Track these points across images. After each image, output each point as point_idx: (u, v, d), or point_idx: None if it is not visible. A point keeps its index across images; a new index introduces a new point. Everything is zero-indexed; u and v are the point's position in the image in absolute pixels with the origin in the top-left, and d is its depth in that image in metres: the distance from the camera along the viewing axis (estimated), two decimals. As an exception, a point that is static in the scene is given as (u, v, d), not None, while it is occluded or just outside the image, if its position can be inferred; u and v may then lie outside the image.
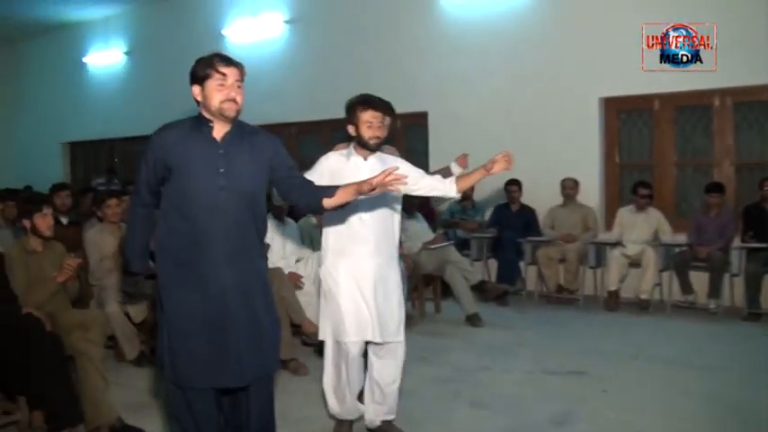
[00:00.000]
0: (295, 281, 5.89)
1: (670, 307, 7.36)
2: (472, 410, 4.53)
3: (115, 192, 6.42)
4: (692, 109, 7.89)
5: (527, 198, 8.41)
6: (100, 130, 13.96)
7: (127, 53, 13.44)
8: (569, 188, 8.02)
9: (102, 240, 5.73)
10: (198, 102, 3.10)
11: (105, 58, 13.76)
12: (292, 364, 5.34)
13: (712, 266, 7.06)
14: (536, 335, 6.49)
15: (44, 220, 4.52)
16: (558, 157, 8.15)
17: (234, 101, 3.02)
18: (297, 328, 5.69)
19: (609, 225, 8.02)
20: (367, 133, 3.79)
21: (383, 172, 3.03)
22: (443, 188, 3.89)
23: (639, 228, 7.52)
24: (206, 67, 3.01)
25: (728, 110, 7.59)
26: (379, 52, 9.71)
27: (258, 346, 3.13)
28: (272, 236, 5.79)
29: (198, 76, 3.03)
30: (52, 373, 3.98)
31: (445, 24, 9.15)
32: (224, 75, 3.00)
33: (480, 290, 7.44)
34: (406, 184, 3.12)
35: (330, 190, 3.22)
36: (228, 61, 3.05)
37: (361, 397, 4.13)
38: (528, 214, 8.35)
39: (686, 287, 7.35)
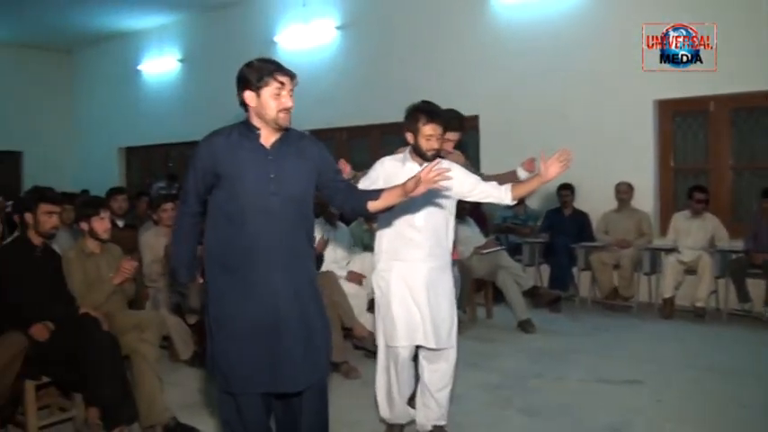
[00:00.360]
0: (356, 279, 5.93)
1: (726, 315, 7.21)
2: (523, 418, 4.49)
3: (171, 196, 6.52)
4: (748, 111, 7.73)
5: (580, 202, 8.32)
6: (155, 135, 14.20)
7: (181, 60, 13.66)
8: (623, 192, 7.91)
9: (157, 243, 5.83)
10: (246, 106, 3.08)
11: (160, 65, 13.99)
12: (344, 367, 5.36)
13: (769, 273, 6.90)
14: (589, 342, 6.41)
15: (101, 224, 4.62)
16: (612, 160, 8.05)
17: (289, 110, 3.03)
18: (348, 332, 5.70)
19: (664, 230, 7.89)
20: (425, 145, 3.78)
21: (424, 168, 3.02)
22: (499, 195, 3.84)
23: (695, 233, 7.39)
24: (264, 74, 2.99)
25: (787, 112, 7.41)
26: (430, 56, 9.71)
27: (311, 350, 3.10)
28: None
29: (253, 83, 3.00)
30: (108, 372, 4.05)
31: (497, 27, 9.11)
32: (282, 84, 2.99)
33: (532, 295, 7.39)
34: (449, 179, 3.09)
35: (375, 193, 3.23)
36: (285, 70, 3.04)
37: (412, 401, 4.13)
38: (581, 219, 8.25)
39: (743, 295, 7.16)
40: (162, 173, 14.12)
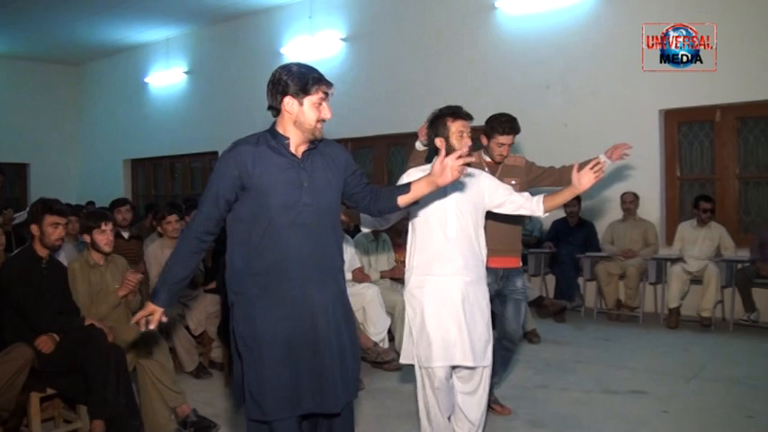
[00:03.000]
0: (363, 278, 5.98)
1: (732, 325, 7.19)
2: (529, 429, 4.47)
3: (175, 207, 6.53)
4: (754, 120, 7.72)
5: (586, 213, 8.32)
6: (161, 147, 14.27)
7: (187, 72, 13.72)
8: (629, 202, 7.90)
9: (162, 255, 5.83)
10: (276, 111, 2.93)
11: (166, 77, 14.07)
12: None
13: (776, 283, 6.88)
14: (595, 352, 6.39)
15: (103, 236, 4.62)
16: (618, 170, 8.04)
17: (324, 122, 2.93)
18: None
19: (669, 240, 7.88)
20: (458, 144, 3.60)
21: (439, 158, 2.90)
22: (530, 207, 3.76)
23: (701, 243, 7.37)
24: (309, 83, 2.86)
25: (793, 121, 7.41)
26: (435, 68, 9.73)
27: (346, 368, 2.98)
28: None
29: (295, 90, 2.86)
30: (113, 384, 4.06)
31: (502, 38, 9.13)
32: (326, 95, 2.91)
33: (538, 306, 7.38)
34: (463, 172, 2.92)
35: (404, 188, 3.11)
36: (327, 80, 2.94)
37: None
38: (587, 229, 8.24)
39: (749, 305, 7.16)
40: (167, 185, 14.20)
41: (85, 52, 14.93)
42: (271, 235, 2.87)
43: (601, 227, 8.20)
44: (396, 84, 10.15)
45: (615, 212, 8.07)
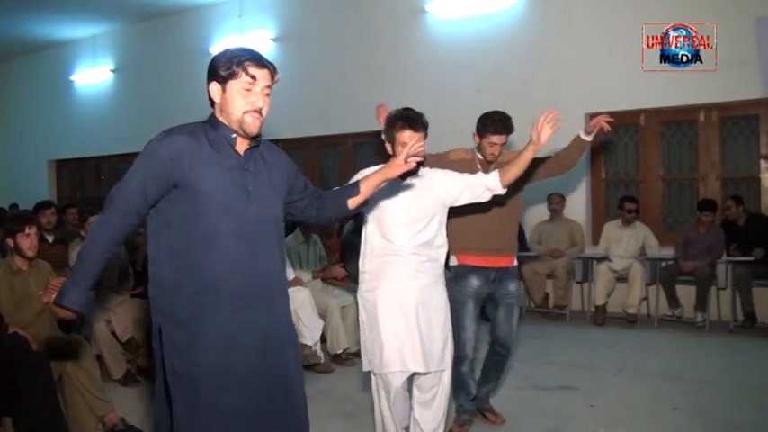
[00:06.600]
0: (293, 282, 5.92)
1: (657, 321, 7.40)
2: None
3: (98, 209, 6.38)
4: (677, 124, 7.96)
5: (514, 213, 8.43)
6: (87, 147, 13.91)
7: (114, 71, 13.43)
8: (556, 203, 8.05)
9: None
10: (213, 102, 2.54)
11: (92, 76, 13.74)
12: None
13: (699, 280, 7.09)
14: (523, 350, 6.45)
15: (26, 241, 4.48)
16: (545, 172, 8.16)
17: (259, 112, 2.49)
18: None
19: (595, 240, 8.06)
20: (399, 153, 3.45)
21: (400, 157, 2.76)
22: (489, 186, 3.63)
23: (626, 242, 7.56)
24: (233, 64, 2.44)
25: (714, 125, 7.65)
26: (366, 69, 9.75)
27: (291, 405, 2.59)
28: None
29: (219, 73, 2.46)
30: (40, 394, 3.94)
31: (432, 43, 9.20)
32: (253, 78, 2.45)
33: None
34: (413, 164, 2.81)
35: (352, 189, 2.84)
36: (261, 62, 2.48)
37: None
38: (515, 229, 8.34)
39: (673, 301, 7.38)
40: (94, 186, 13.85)
41: (8, 48, 14.44)
42: (210, 245, 2.45)
43: (528, 227, 8.32)
44: (327, 85, 10.12)
45: (542, 213, 8.22)
